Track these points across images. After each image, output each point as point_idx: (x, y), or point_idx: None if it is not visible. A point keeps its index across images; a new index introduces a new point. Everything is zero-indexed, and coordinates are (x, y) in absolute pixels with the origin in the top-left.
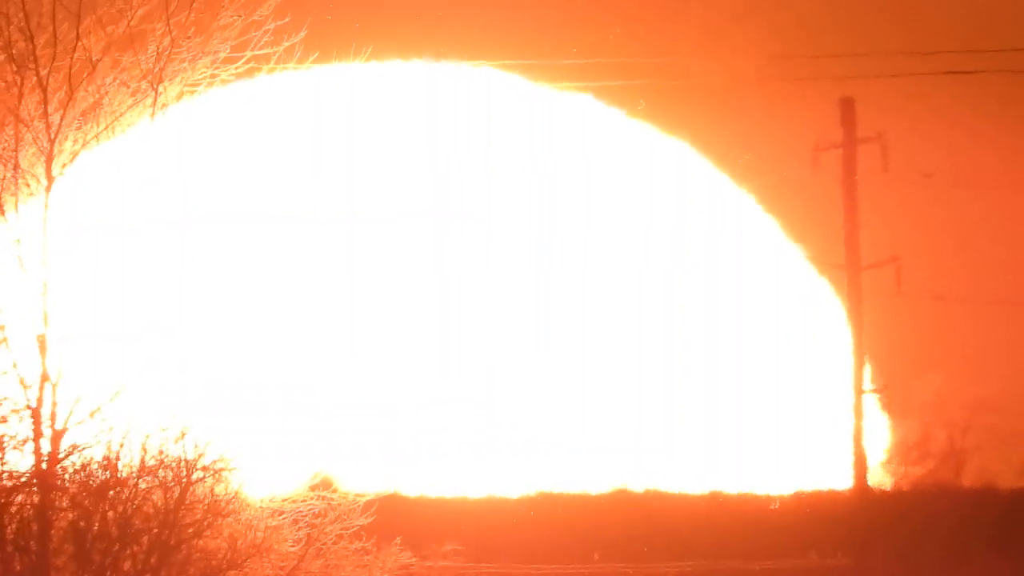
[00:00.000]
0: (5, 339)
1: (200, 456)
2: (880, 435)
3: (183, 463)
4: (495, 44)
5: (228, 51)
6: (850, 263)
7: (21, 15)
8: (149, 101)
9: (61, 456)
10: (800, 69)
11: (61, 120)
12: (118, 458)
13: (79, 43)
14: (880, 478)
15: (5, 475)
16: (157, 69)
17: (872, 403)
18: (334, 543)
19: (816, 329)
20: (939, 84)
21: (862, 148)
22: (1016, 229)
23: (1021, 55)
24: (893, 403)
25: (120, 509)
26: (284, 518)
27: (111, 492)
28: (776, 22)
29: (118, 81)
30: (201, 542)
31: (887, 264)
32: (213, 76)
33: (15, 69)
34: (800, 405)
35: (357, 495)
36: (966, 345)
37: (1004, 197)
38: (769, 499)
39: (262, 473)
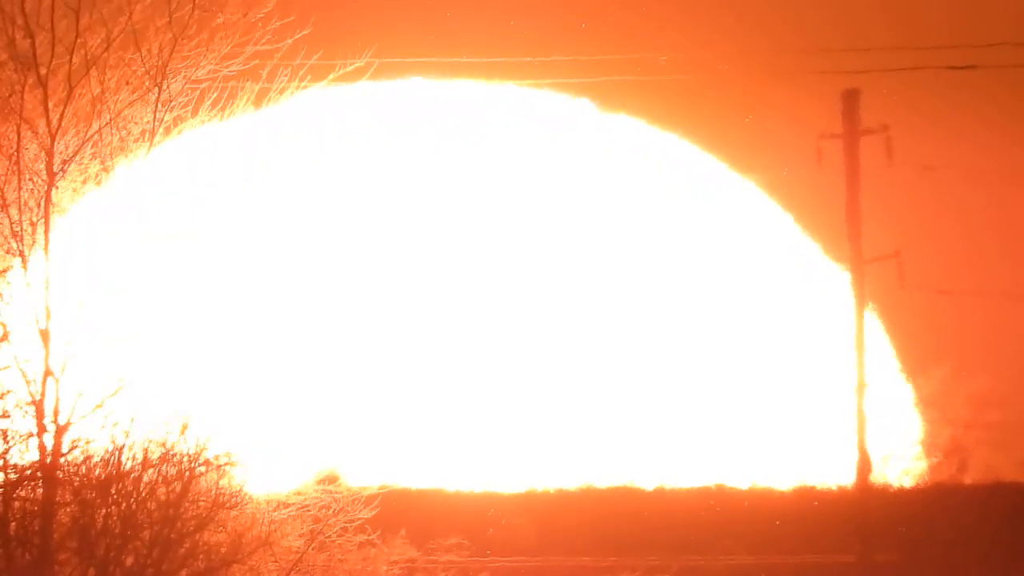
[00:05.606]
0: (7, 335)
1: (203, 450)
2: (885, 430)
3: (186, 457)
4: (497, 47)
5: (230, 48)
6: (853, 257)
7: (22, 14)
8: (151, 97)
9: (64, 450)
10: (804, 64)
11: (61, 117)
12: (121, 452)
13: (79, 41)
14: (884, 473)
15: (8, 469)
16: (159, 66)
17: (876, 398)
18: (339, 536)
19: (823, 322)
20: (942, 78)
21: (866, 142)
22: (1020, 222)
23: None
24: (898, 398)
25: (123, 503)
26: (288, 512)
27: (114, 486)
28: (779, 17)
29: (119, 78)
30: (205, 536)
31: (890, 258)
32: (216, 72)
33: (16, 67)
34: (804, 399)
35: (361, 489)
36: (971, 339)
37: (1008, 190)
38: (773, 493)
39: (266, 468)
